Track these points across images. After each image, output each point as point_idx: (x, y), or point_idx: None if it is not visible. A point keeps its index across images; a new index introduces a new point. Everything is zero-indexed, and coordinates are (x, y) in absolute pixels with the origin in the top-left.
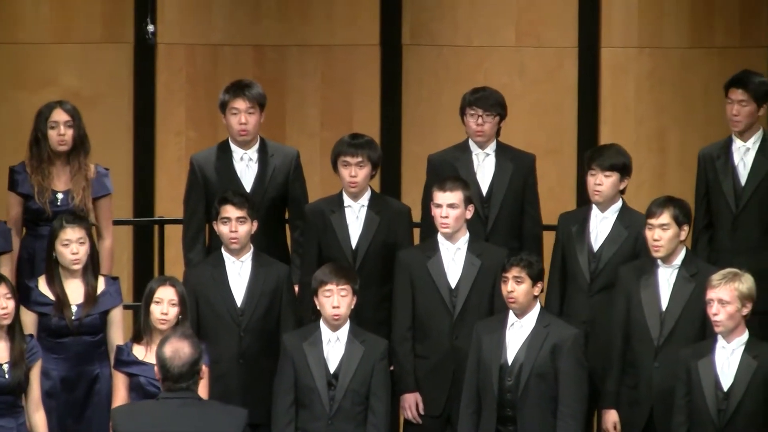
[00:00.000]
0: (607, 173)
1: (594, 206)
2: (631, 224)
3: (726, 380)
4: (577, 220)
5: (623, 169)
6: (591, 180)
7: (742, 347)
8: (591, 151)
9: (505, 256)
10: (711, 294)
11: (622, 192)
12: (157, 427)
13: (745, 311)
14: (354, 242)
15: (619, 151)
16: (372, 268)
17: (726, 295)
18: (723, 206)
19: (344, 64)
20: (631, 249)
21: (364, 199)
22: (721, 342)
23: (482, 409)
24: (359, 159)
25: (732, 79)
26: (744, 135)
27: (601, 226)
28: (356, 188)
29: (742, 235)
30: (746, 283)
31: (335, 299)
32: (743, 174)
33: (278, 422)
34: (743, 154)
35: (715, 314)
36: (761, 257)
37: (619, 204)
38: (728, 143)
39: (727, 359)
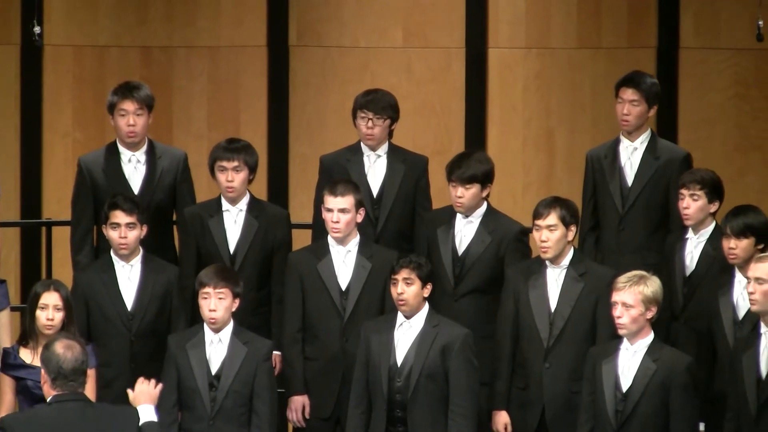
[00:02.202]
0: (467, 185)
1: None
2: (495, 228)
3: (625, 382)
4: (442, 221)
5: (484, 179)
6: (452, 191)
7: (645, 350)
8: (451, 162)
9: (395, 258)
10: (615, 297)
11: (485, 198)
12: None
13: (650, 314)
14: (232, 247)
15: (480, 159)
16: (250, 273)
17: (630, 298)
18: (610, 206)
19: (231, 65)
20: (495, 253)
21: (243, 204)
22: (625, 344)
23: (372, 410)
24: (236, 164)
25: (624, 79)
26: (632, 135)
27: (465, 230)
28: (233, 193)
29: (628, 236)
30: (651, 286)
31: (212, 302)
32: (630, 174)
33: (161, 423)
34: (630, 154)
35: (619, 317)
36: (647, 258)
37: (483, 208)
38: (616, 144)
39: (629, 361)
